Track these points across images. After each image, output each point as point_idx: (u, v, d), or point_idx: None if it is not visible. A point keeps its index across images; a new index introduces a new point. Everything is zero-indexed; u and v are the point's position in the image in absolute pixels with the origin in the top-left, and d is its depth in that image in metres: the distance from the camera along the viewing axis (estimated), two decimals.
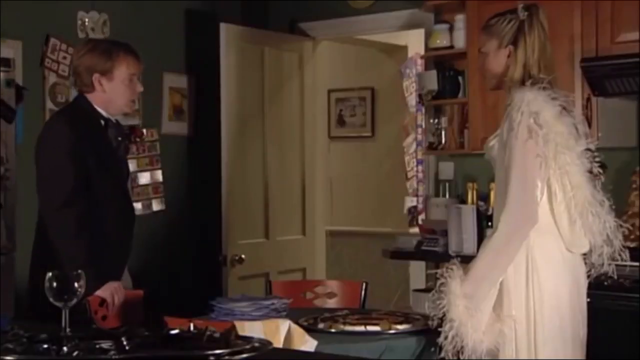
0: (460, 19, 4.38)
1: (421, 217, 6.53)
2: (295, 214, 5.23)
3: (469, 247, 4.12)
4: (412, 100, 6.60)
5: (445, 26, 4.48)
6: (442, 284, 2.56)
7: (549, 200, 2.57)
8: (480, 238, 4.18)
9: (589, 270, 2.62)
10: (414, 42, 6.36)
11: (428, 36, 4.67)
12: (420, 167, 6.60)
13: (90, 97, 3.10)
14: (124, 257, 3.15)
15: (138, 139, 3.46)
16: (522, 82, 2.61)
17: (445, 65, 4.50)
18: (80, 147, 2.97)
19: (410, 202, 6.52)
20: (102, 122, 3.10)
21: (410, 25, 4.98)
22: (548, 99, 2.54)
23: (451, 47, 4.45)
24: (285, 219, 5.13)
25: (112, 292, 2.92)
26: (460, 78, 4.41)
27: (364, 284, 3.32)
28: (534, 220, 2.52)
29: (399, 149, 6.60)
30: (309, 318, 2.80)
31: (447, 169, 4.68)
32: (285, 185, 5.14)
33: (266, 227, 4.99)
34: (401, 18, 4.93)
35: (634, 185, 3.86)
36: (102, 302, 2.94)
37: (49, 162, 2.99)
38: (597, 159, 2.54)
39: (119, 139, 3.17)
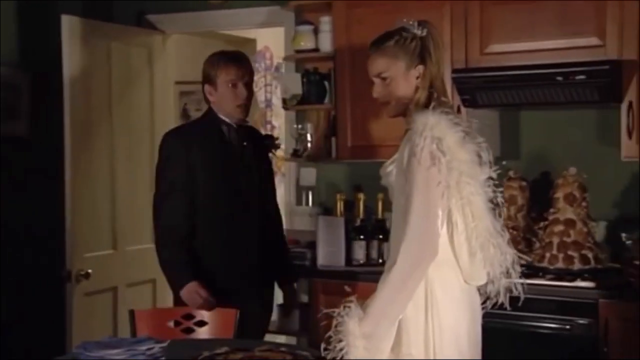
0: (326, 21, 4.19)
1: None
2: (145, 219, 4.86)
3: (338, 260, 3.98)
4: (261, 95, 6.39)
5: (309, 27, 4.28)
6: (339, 323, 2.37)
7: (449, 230, 2.44)
8: (349, 250, 4.06)
9: (484, 302, 2.53)
10: (263, 35, 6.14)
11: (289, 36, 4.46)
12: None
13: (213, 106, 3.25)
14: (240, 262, 3.19)
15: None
16: (426, 105, 2.47)
17: (310, 69, 4.31)
18: (192, 158, 3.15)
19: None
20: (227, 128, 3.21)
21: (269, 23, 4.75)
22: (451, 124, 2.40)
23: (316, 49, 4.25)
24: (135, 227, 4.77)
25: (186, 296, 3.09)
26: (326, 83, 4.23)
27: (237, 312, 3.08)
28: (435, 253, 2.38)
29: None
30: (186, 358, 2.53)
31: (309, 176, 4.50)
32: (135, 189, 4.78)
33: (114, 237, 4.61)
34: (259, 15, 4.69)
35: None
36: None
37: (162, 175, 3.25)
38: (500, 189, 2.43)
39: (244, 143, 3.23)
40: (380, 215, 4.12)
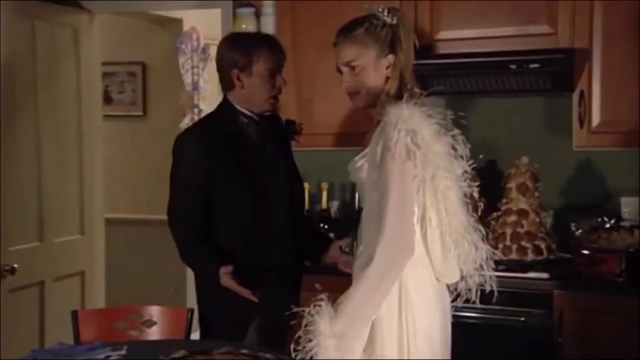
0: (269, 4, 4.03)
1: None
2: (74, 208, 4.64)
3: None
4: (188, 78, 6.16)
5: (250, 10, 4.11)
6: (309, 322, 2.26)
7: (422, 227, 2.35)
8: None
9: (455, 299, 2.46)
10: (190, 15, 5.92)
11: (226, 19, 4.29)
12: None
13: (231, 96, 2.94)
14: (264, 264, 2.88)
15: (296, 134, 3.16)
16: (397, 96, 2.36)
17: None
18: (207, 157, 2.87)
19: None
20: (245, 120, 2.93)
21: (205, 5, 4.55)
22: (425, 116, 2.31)
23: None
24: (63, 216, 4.52)
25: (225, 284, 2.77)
26: None
27: (190, 312, 2.92)
28: (411, 251, 2.29)
29: (175, 131, 6.11)
30: None
31: None
32: (63, 176, 4.53)
33: (41, 229, 4.35)
34: None
35: None
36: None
37: (175, 176, 2.95)
38: (477, 183, 2.35)
39: (265, 135, 2.96)
40: (324, 205, 4.02)
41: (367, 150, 2.39)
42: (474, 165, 2.37)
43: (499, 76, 3.50)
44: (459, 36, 3.67)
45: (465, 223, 2.36)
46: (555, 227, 3.71)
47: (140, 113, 6.32)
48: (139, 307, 3.01)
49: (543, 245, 3.40)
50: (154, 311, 2.98)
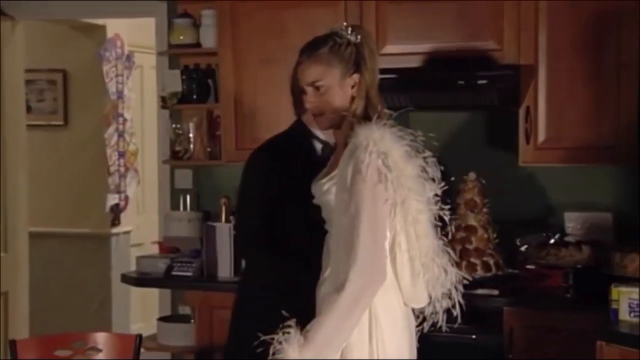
0: (208, 15, 3.92)
1: (123, 215, 5.99)
2: None
3: (224, 269, 3.74)
4: (112, 86, 5.96)
5: (188, 20, 3.99)
6: (277, 350, 2.17)
7: (391, 251, 2.29)
8: (236, 259, 3.83)
9: (421, 323, 2.41)
10: (114, 21, 5.73)
11: (161, 29, 4.16)
12: (122, 161, 6.01)
13: (304, 118, 2.74)
14: None
15: None
16: (364, 116, 2.30)
17: (190, 65, 4.01)
18: (276, 179, 2.73)
19: (113, 199, 5.90)
20: (320, 145, 2.75)
21: (137, 13, 4.40)
22: (395, 137, 2.25)
23: (198, 45, 3.97)
24: None
25: None
26: (210, 81, 3.95)
27: (138, 337, 2.78)
28: (384, 277, 2.23)
29: (98, 141, 5.91)
30: None
31: (184, 178, 4.21)
32: None
33: None
34: (126, 4, 4.32)
35: None
36: None
37: (243, 193, 2.86)
38: (448, 206, 2.31)
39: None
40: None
41: (334, 172, 2.32)
42: (445, 188, 2.32)
43: (447, 92, 3.48)
44: (405, 51, 3.64)
45: (435, 246, 2.32)
46: (499, 242, 3.72)
47: (61, 122, 6.06)
48: (83, 334, 2.85)
49: (491, 262, 3.41)
50: (99, 338, 2.83)
